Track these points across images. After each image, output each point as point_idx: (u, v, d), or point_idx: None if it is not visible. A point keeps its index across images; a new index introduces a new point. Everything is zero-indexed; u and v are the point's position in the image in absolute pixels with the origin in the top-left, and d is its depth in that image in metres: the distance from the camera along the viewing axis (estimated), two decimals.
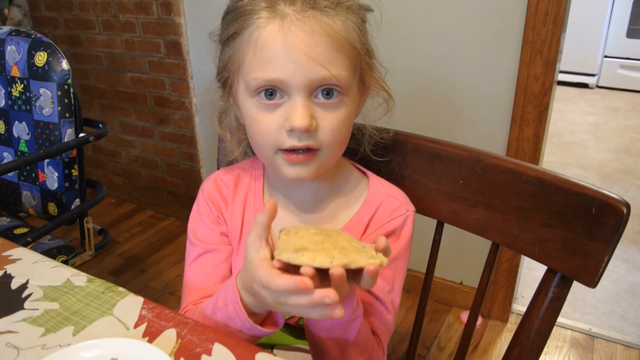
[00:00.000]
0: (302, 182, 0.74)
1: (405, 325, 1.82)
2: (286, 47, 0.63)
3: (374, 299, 0.76)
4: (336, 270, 0.53)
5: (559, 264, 0.71)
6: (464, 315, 1.91)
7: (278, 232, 0.63)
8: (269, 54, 0.64)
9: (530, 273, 2.03)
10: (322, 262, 0.54)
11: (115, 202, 2.83)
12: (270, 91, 0.66)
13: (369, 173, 0.83)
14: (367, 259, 0.55)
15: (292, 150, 0.68)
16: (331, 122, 0.67)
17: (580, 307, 1.92)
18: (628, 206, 0.65)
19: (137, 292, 0.73)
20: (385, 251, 0.58)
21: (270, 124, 0.67)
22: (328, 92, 0.66)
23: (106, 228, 1.65)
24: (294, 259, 0.55)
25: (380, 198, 0.79)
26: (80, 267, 1.45)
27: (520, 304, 1.94)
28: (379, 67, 0.76)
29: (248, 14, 0.66)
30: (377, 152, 0.84)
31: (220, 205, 0.82)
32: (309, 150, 0.68)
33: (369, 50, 0.71)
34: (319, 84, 0.65)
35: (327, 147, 0.69)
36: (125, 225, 2.61)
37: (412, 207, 0.80)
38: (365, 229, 0.77)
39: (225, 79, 0.74)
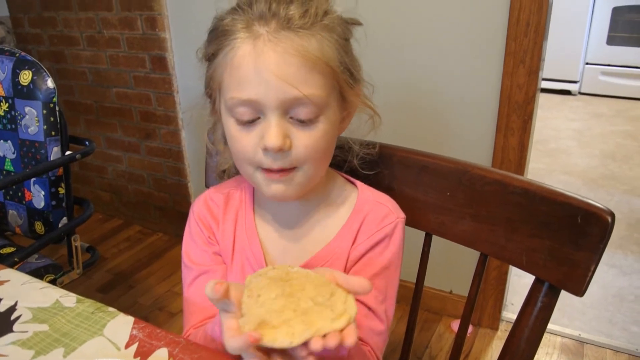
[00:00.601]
0: (285, 200, 0.75)
1: (396, 336, 1.82)
2: (258, 68, 0.64)
3: (366, 310, 0.76)
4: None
5: (546, 273, 0.72)
6: (455, 324, 1.92)
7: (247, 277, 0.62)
8: (243, 74, 0.66)
9: (519, 280, 2.05)
10: (282, 342, 0.53)
11: (103, 217, 2.81)
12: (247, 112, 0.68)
13: (358, 182, 0.83)
14: (330, 322, 0.54)
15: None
16: (305, 140, 0.68)
17: (569, 313, 1.94)
18: (612, 215, 0.66)
19: (126, 308, 0.73)
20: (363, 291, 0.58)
21: (247, 142, 0.69)
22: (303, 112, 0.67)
23: (94, 244, 1.64)
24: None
25: (369, 206, 0.79)
26: (68, 284, 1.44)
27: (510, 312, 1.95)
28: (366, 83, 0.76)
29: (226, 35, 0.67)
30: (364, 166, 0.85)
31: (211, 225, 0.82)
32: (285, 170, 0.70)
33: (349, 67, 0.71)
34: (292, 104, 0.66)
35: (304, 165, 0.70)
36: (113, 241, 2.59)
37: (401, 214, 0.80)
38: (354, 238, 0.78)
39: (210, 95, 0.76)
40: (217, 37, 0.69)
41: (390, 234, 0.78)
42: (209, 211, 0.83)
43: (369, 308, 0.76)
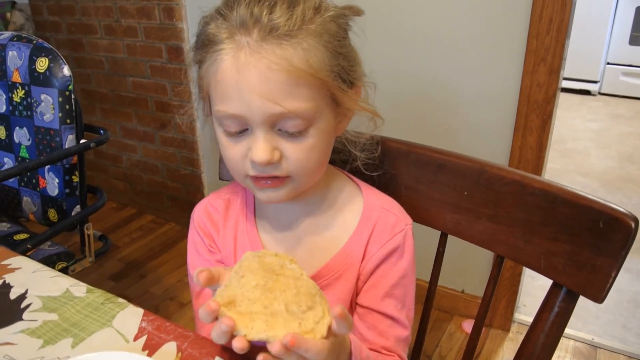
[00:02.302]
0: (278, 203, 0.73)
1: None
2: (239, 86, 0.61)
3: (390, 321, 0.75)
4: (239, 344, 0.52)
5: (565, 278, 0.70)
6: (466, 324, 1.90)
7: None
8: (226, 90, 0.63)
9: (532, 282, 2.02)
10: (239, 330, 0.53)
11: (116, 206, 2.82)
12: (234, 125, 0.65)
13: (362, 184, 0.81)
14: (313, 323, 0.53)
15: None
16: (296, 152, 0.65)
17: (583, 316, 1.91)
18: (636, 220, 0.64)
19: (137, 297, 0.73)
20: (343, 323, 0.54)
21: (236, 153, 0.67)
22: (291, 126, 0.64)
23: (107, 232, 1.65)
24: (220, 313, 0.55)
25: (377, 213, 0.77)
26: (80, 272, 1.45)
27: (522, 313, 1.93)
28: (366, 81, 0.73)
29: (210, 44, 0.64)
30: (367, 167, 0.82)
31: (212, 232, 0.81)
32: (276, 177, 0.68)
33: (342, 73, 0.66)
34: (278, 119, 0.63)
35: (297, 176, 0.68)
36: (126, 230, 2.61)
37: (409, 220, 0.78)
38: (365, 249, 0.75)
39: (203, 98, 0.73)
40: (202, 46, 0.66)
41: (402, 243, 0.76)
42: (208, 218, 0.82)
43: (392, 318, 0.75)
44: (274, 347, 0.51)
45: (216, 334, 0.54)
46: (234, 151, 0.67)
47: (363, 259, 0.75)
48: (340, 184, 0.80)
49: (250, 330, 0.54)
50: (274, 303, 0.55)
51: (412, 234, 0.77)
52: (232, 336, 0.53)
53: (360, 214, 0.77)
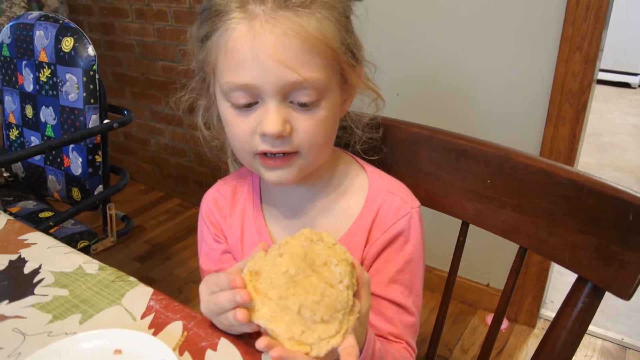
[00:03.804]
0: (284, 185, 0.71)
1: (429, 326, 1.77)
2: (254, 52, 0.60)
3: (396, 307, 0.73)
4: (241, 316, 0.54)
5: (590, 272, 0.66)
6: (490, 318, 1.85)
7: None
8: (239, 58, 0.62)
9: (561, 277, 1.96)
10: (258, 318, 0.53)
11: (144, 189, 2.86)
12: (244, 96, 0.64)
13: (367, 167, 0.79)
14: (287, 338, 0.51)
15: (270, 154, 0.66)
16: (306, 125, 0.64)
17: (612, 315, 1.85)
18: None
19: (162, 279, 0.73)
20: None
21: (245, 128, 0.65)
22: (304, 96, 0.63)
23: (134, 214, 1.66)
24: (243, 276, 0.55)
25: (381, 197, 0.74)
26: (105, 252, 1.46)
27: (549, 310, 1.88)
28: (367, 63, 0.72)
29: (220, 14, 0.63)
30: (368, 151, 0.81)
31: (218, 220, 0.81)
32: (286, 154, 0.66)
33: (351, 47, 0.67)
34: (292, 88, 0.62)
35: (306, 151, 0.66)
36: (153, 212, 2.63)
37: (416, 203, 0.75)
38: (368, 233, 0.73)
39: (203, 79, 0.72)
40: (210, 18, 0.64)
41: (407, 227, 0.73)
42: (215, 205, 0.81)
43: (399, 304, 0.73)
44: (267, 350, 0.51)
45: (227, 299, 0.55)
46: (242, 127, 0.65)
47: (366, 244, 0.73)
48: (346, 166, 0.78)
49: (254, 311, 0.53)
50: (290, 299, 0.52)
51: (419, 218, 0.75)
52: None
53: (365, 198, 0.75)
